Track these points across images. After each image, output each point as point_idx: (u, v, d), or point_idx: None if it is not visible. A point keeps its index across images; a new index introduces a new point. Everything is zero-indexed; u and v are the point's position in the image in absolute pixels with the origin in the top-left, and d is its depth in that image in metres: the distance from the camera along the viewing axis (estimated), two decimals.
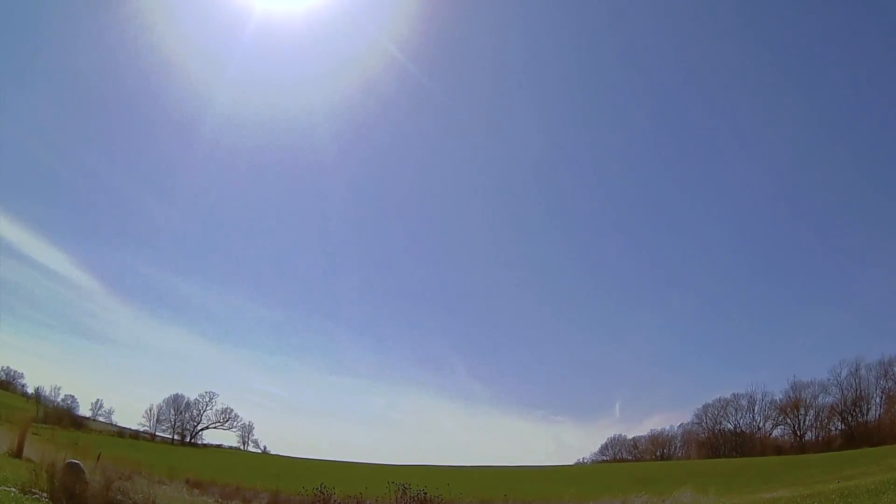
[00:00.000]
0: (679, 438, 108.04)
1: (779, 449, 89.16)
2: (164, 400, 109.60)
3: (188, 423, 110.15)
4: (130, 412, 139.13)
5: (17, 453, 19.01)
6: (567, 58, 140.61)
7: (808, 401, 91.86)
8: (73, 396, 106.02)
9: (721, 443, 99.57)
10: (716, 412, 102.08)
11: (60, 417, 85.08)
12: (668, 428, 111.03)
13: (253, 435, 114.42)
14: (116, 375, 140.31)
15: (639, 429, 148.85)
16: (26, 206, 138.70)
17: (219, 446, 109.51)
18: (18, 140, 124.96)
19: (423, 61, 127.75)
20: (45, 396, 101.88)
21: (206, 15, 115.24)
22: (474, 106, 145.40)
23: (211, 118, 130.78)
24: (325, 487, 26.34)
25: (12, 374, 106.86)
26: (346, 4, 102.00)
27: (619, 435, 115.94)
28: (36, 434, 31.03)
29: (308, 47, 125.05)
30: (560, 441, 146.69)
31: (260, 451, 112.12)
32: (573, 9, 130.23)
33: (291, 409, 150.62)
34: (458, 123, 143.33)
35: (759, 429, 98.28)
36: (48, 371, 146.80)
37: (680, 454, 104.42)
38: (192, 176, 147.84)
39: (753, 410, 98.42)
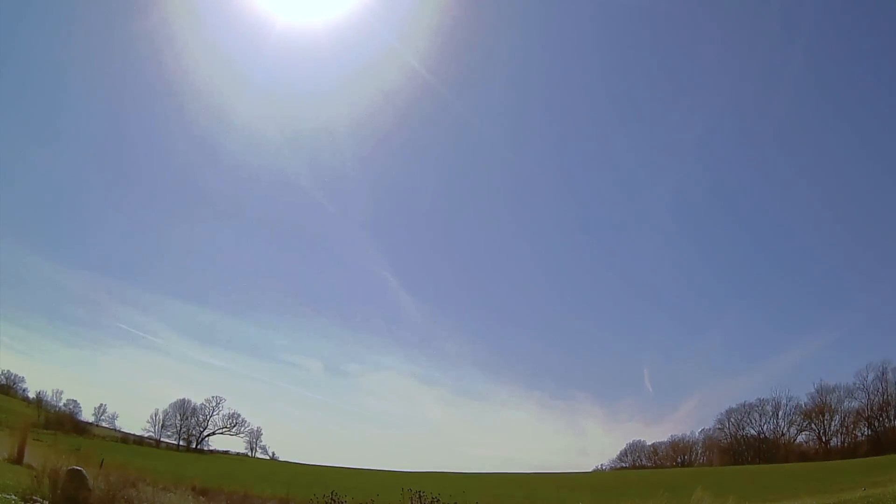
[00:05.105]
0: (700, 444, 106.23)
1: (803, 455, 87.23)
2: (169, 405, 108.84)
3: (194, 428, 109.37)
4: (135, 417, 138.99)
5: (18, 460, 18.82)
6: (585, 66, 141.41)
7: (833, 405, 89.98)
8: (75, 401, 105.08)
9: (744, 449, 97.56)
10: (739, 417, 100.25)
11: (62, 422, 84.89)
12: (689, 434, 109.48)
13: (261, 441, 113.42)
14: (120, 380, 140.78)
15: (673, 416, 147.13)
16: (32, 213, 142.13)
17: (226, 452, 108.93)
18: (33, 146, 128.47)
19: (441, 72, 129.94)
20: (46, 401, 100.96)
21: (229, 28, 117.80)
22: (492, 115, 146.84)
23: (233, 129, 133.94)
24: (336, 495, 25.86)
25: (13, 377, 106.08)
26: (365, 17, 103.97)
27: (639, 441, 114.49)
28: (37, 440, 31.01)
29: (329, 59, 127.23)
30: (581, 430, 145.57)
31: (268, 458, 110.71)
32: (592, 19, 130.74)
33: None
34: (476, 132, 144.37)
35: (783, 434, 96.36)
36: (50, 375, 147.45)
37: (702, 460, 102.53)
38: (212, 186, 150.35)
39: (777, 416, 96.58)
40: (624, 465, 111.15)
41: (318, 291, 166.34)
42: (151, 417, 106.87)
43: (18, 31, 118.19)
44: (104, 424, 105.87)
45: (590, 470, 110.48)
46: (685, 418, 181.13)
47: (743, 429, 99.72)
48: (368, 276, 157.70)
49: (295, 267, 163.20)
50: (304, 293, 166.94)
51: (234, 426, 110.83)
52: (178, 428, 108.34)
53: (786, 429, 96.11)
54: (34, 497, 14.06)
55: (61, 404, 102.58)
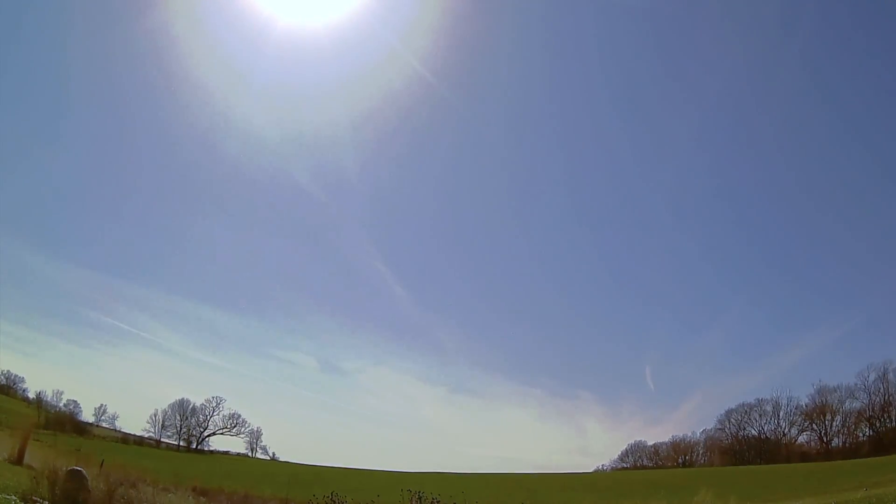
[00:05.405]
0: (701, 445, 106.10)
1: (804, 455, 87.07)
2: (169, 405, 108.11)
3: (194, 428, 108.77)
4: (135, 418, 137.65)
5: (18, 460, 18.83)
6: (585, 66, 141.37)
7: (834, 406, 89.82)
8: (75, 401, 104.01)
9: (745, 449, 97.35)
10: (739, 418, 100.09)
11: (62, 423, 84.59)
12: (690, 434, 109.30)
13: (261, 441, 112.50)
14: (120, 380, 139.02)
15: (674, 415, 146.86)
16: (32, 213, 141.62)
17: (226, 453, 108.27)
18: (34, 145, 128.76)
19: (442, 72, 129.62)
20: (46, 401, 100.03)
21: (230, 29, 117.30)
22: (493, 114, 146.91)
23: (234, 130, 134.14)
24: (337, 495, 25.87)
25: (13, 378, 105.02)
26: (366, 18, 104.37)
27: (640, 441, 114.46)
28: (37, 440, 31.03)
29: (329, 60, 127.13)
30: (582, 429, 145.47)
31: (269, 458, 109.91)
32: (592, 18, 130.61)
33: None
34: (476, 132, 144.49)
35: (784, 435, 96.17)
36: (50, 375, 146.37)
37: (703, 461, 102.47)
38: (214, 188, 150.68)
39: (778, 416, 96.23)
40: (625, 465, 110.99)
41: (318, 290, 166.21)
42: (151, 418, 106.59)
43: (20, 31, 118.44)
44: (104, 425, 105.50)
45: (591, 470, 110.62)
46: (686, 418, 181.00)
47: (744, 429, 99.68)
48: (370, 276, 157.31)
49: (295, 266, 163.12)
50: (304, 292, 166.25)
51: (235, 426, 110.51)
52: (179, 428, 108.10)
53: (787, 429, 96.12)
54: (34, 497, 14.03)
55: (61, 405, 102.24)
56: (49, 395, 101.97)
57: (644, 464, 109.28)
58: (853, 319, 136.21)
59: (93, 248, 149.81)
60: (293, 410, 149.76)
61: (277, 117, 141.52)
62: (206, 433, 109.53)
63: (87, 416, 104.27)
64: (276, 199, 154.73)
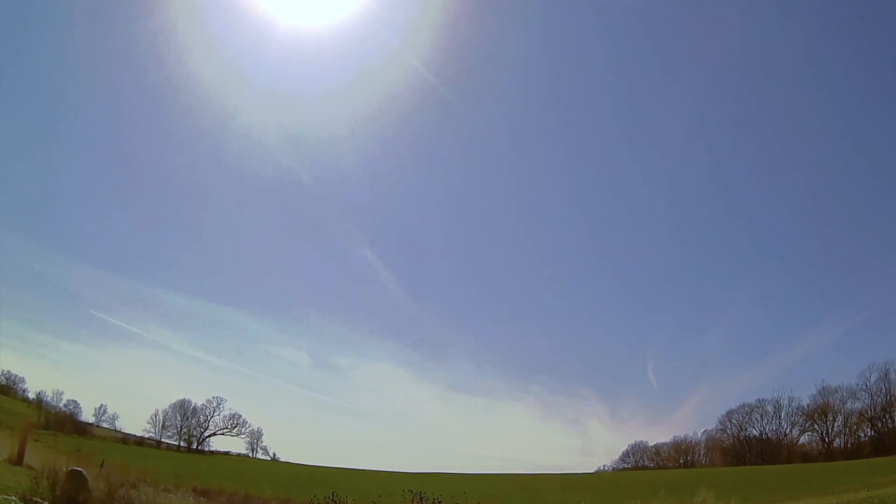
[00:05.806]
0: (703, 445, 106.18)
1: (806, 456, 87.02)
2: (170, 405, 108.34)
3: (195, 429, 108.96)
4: (135, 418, 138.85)
5: (18, 460, 18.75)
6: (586, 65, 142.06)
7: (836, 406, 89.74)
8: (75, 402, 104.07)
9: (746, 450, 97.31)
10: (740, 418, 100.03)
11: (63, 423, 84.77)
12: (691, 434, 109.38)
13: (262, 441, 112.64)
14: (121, 380, 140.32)
15: (675, 415, 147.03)
16: (33, 213, 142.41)
17: (226, 453, 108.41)
18: (36, 145, 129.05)
19: (443, 73, 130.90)
20: (46, 402, 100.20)
21: (232, 31, 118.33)
22: (494, 115, 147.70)
23: (236, 132, 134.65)
24: (338, 496, 25.87)
25: (13, 378, 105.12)
26: (368, 19, 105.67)
27: (642, 441, 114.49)
28: (37, 441, 30.96)
29: (332, 61, 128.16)
30: (584, 429, 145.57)
31: (269, 458, 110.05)
32: (592, 17, 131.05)
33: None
34: (478, 132, 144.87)
35: (785, 435, 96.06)
36: (50, 375, 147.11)
37: (704, 461, 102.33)
38: (215, 189, 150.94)
39: (780, 416, 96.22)
40: (626, 465, 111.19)
41: (317, 287, 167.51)
42: (152, 418, 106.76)
43: (24, 32, 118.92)
44: (104, 425, 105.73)
45: (592, 471, 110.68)
46: (687, 418, 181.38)
47: (745, 430, 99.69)
48: (370, 274, 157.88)
49: (295, 264, 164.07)
50: (303, 289, 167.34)
51: (235, 427, 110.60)
52: (179, 429, 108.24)
53: (788, 430, 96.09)
54: (34, 498, 13.97)
55: (61, 405, 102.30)
56: (49, 396, 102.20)
57: (645, 464, 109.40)
58: (854, 319, 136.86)
59: (92, 248, 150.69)
60: (290, 409, 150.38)
61: (279, 118, 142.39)
62: (206, 433, 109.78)
63: (87, 416, 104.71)
64: (276, 198, 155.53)
